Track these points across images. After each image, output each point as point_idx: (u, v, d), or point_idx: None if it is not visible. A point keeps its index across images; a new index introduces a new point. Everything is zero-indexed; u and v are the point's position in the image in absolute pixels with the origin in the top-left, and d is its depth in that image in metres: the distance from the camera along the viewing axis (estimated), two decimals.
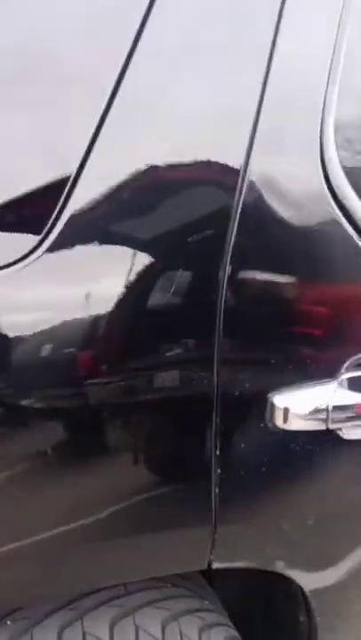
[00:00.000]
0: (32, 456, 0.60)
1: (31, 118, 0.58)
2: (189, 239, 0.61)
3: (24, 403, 0.58)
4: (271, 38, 0.63)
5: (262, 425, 0.68)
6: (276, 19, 0.63)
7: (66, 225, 0.57)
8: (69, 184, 0.57)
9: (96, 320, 0.59)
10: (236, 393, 0.66)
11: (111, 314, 0.59)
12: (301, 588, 0.82)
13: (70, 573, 0.67)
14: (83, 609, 0.73)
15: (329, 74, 0.66)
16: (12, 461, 0.59)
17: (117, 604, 0.76)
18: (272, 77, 0.62)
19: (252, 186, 0.62)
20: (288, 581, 0.82)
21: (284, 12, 0.64)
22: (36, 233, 0.57)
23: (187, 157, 0.61)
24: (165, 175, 0.61)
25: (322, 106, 0.66)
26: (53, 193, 0.57)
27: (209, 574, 0.87)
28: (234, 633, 0.83)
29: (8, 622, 0.71)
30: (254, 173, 0.63)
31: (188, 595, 0.81)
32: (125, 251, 0.60)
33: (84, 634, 0.72)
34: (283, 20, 0.63)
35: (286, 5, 0.64)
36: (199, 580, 0.87)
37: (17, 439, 0.60)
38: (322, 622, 0.87)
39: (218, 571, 0.76)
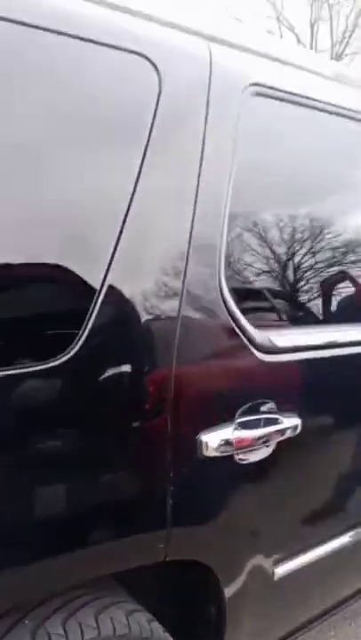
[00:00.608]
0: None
1: None
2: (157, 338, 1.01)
3: None
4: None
5: (195, 454, 1.06)
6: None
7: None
8: None
9: None
10: (182, 435, 1.04)
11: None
12: (216, 583, 1.18)
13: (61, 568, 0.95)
14: (76, 605, 1.01)
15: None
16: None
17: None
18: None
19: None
20: (205, 577, 1.17)
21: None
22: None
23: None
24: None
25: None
26: None
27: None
28: (134, 607, 1.08)
29: (26, 621, 0.96)
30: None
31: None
32: None
33: (79, 624, 0.99)
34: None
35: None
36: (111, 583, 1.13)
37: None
38: (229, 613, 1.22)
39: (136, 575, 1.07)
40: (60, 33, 0.91)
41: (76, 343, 0.91)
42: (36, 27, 0.88)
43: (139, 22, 1.06)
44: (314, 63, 1.40)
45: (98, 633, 0.99)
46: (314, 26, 15.88)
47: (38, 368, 0.88)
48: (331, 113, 1.35)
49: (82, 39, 0.94)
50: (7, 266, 0.89)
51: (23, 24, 0.87)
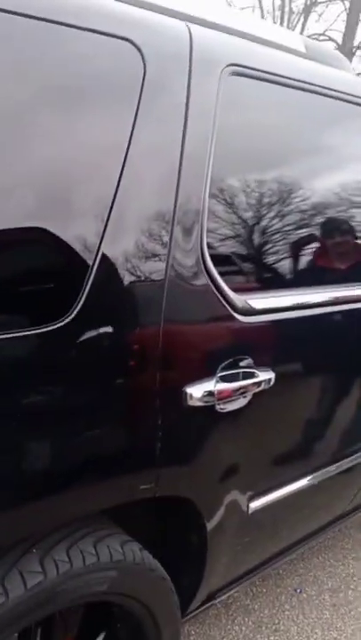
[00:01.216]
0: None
1: None
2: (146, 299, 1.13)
3: None
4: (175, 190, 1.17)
5: (181, 404, 1.20)
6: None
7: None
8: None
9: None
10: (169, 387, 1.17)
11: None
12: (199, 516, 1.33)
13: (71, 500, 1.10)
14: (77, 536, 1.15)
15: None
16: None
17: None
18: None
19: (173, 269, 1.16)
20: (187, 511, 1.33)
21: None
22: None
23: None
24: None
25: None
26: None
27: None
28: (127, 538, 1.24)
29: (34, 550, 1.10)
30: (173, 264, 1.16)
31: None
32: None
33: (81, 552, 1.13)
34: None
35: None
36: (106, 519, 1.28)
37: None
38: (210, 544, 1.39)
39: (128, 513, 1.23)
40: (61, 24, 1.00)
41: (76, 305, 1.02)
42: (44, 19, 0.97)
43: (123, 8, 1.13)
44: (290, 42, 1.49)
45: (97, 559, 1.14)
46: None
47: (44, 330, 0.99)
48: (304, 90, 1.44)
49: (75, 27, 1.02)
50: (11, 231, 0.98)
51: (23, 15, 0.95)
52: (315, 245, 1.58)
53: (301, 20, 16.23)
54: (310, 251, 1.56)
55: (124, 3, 1.15)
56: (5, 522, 1.02)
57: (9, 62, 0.95)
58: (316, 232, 1.58)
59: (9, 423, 0.98)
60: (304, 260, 1.55)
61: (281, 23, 15.48)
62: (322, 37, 14.35)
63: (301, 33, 14.66)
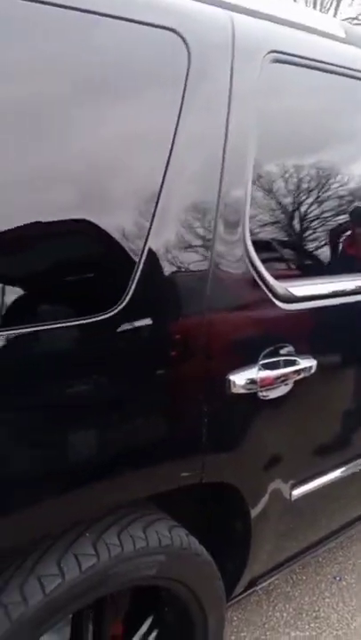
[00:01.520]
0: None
1: None
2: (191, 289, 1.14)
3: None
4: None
5: (225, 392, 1.21)
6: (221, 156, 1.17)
7: None
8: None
9: None
10: (214, 375, 1.19)
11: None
12: (243, 503, 1.35)
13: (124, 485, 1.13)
14: (127, 521, 1.18)
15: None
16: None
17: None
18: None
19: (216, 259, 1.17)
20: (232, 498, 1.34)
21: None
22: None
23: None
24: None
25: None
26: None
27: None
28: (174, 523, 1.26)
29: (87, 534, 1.13)
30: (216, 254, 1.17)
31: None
32: None
33: (131, 536, 1.16)
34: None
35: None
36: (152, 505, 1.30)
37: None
38: (254, 531, 1.40)
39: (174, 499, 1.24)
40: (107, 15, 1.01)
41: (126, 296, 1.04)
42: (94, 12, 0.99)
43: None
44: (329, 27, 1.47)
45: (146, 543, 1.17)
46: None
47: (96, 319, 1.01)
48: (345, 75, 1.43)
49: (121, 19, 1.03)
50: (63, 223, 1.00)
51: (71, 8, 0.97)
52: (357, 232, 1.57)
53: (334, 3, 15.89)
54: (352, 238, 1.55)
55: None
56: (61, 507, 1.05)
57: (57, 55, 0.97)
58: (359, 219, 1.57)
59: (61, 412, 1.01)
60: (345, 247, 1.54)
61: (313, 7, 15.20)
62: (355, 21, 14.05)
63: (334, 17, 14.39)
